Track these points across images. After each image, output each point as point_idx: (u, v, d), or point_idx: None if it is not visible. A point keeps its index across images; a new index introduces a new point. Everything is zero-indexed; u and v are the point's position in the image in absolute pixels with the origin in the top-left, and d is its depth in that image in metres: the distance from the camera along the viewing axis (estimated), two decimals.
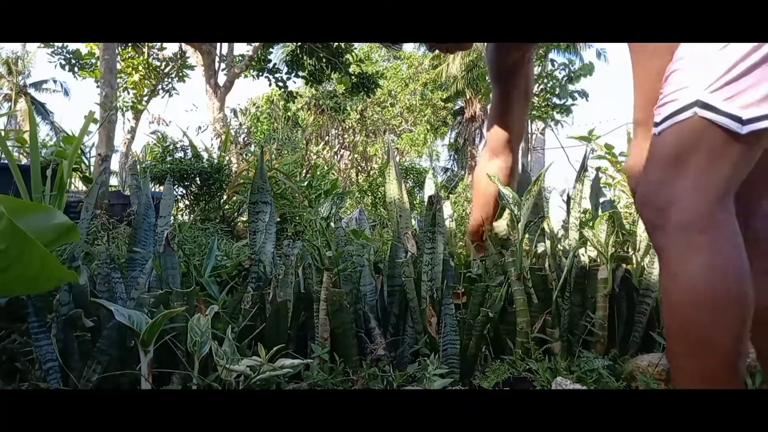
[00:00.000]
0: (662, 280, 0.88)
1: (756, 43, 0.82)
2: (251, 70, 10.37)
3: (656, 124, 0.89)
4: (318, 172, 4.72)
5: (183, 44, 10.58)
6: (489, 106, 1.84)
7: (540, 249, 1.56)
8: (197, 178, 3.53)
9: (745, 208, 0.98)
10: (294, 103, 11.79)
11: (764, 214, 0.98)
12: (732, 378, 0.82)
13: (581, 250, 1.50)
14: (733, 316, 0.81)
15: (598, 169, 2.91)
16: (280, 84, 10.26)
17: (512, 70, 1.69)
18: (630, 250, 1.54)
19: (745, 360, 0.87)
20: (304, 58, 9.69)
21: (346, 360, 1.26)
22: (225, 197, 3.64)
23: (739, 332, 0.81)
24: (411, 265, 1.36)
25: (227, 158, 4.46)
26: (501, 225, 1.68)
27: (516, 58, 1.67)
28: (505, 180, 1.70)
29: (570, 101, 8.22)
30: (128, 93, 10.94)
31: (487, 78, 4.63)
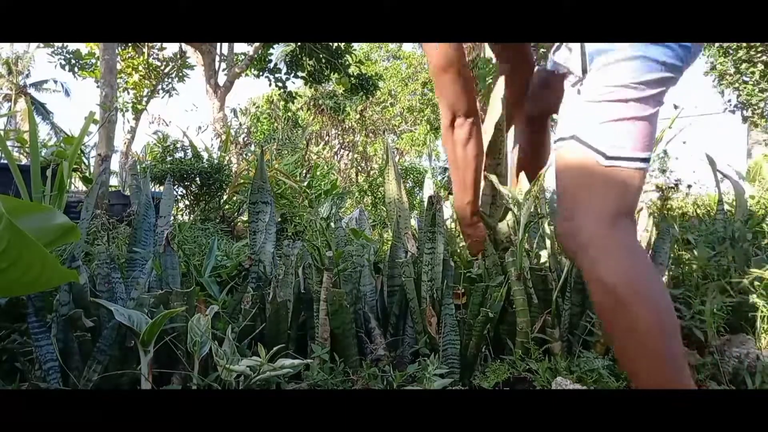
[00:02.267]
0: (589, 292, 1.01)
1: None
2: (251, 70, 10.38)
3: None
4: (318, 172, 4.72)
5: (183, 44, 10.58)
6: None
7: (542, 255, 1.56)
8: (197, 178, 3.53)
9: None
10: (294, 103, 11.79)
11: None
12: (667, 366, 0.89)
13: None
14: (648, 308, 0.90)
15: None
16: (280, 84, 10.27)
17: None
18: None
19: (685, 358, 0.97)
20: (304, 58, 9.70)
21: (346, 360, 1.26)
22: (225, 197, 3.65)
23: (658, 323, 0.89)
24: (411, 265, 1.36)
25: (227, 158, 4.46)
26: (502, 226, 1.67)
27: None
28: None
29: None
30: (128, 93, 10.95)
31: (487, 79, 4.61)
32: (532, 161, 1.73)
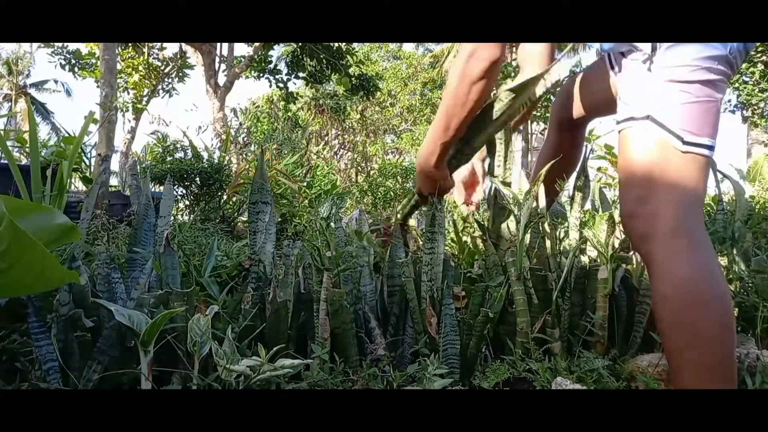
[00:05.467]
0: (652, 282, 0.97)
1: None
2: (252, 72, 10.37)
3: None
4: (318, 172, 4.72)
5: (183, 44, 10.58)
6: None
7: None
8: (197, 178, 3.53)
9: None
10: (294, 103, 11.78)
11: None
12: (728, 367, 0.90)
13: (581, 250, 1.50)
14: (719, 307, 0.91)
15: (598, 169, 2.90)
16: (281, 85, 10.26)
17: None
18: (630, 250, 1.54)
19: (735, 352, 0.96)
20: (305, 59, 9.70)
21: (346, 360, 1.26)
22: (225, 197, 3.64)
23: (726, 322, 0.91)
24: (411, 265, 1.36)
25: (227, 158, 4.46)
26: (502, 228, 1.66)
27: None
28: None
29: None
30: (128, 93, 10.95)
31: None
32: (557, 167, 1.61)
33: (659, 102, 0.97)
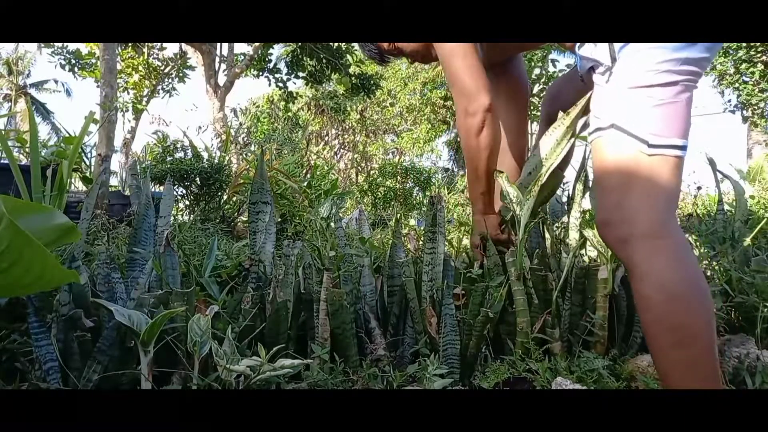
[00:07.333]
0: (633, 285, 0.98)
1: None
2: (251, 70, 10.37)
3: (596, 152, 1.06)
4: (318, 172, 4.72)
5: (183, 44, 10.58)
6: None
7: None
8: (197, 178, 3.53)
9: None
10: (294, 103, 11.78)
11: None
12: (714, 364, 0.91)
13: (581, 250, 1.50)
14: (702, 305, 0.92)
15: None
16: (281, 84, 10.26)
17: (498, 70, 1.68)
18: None
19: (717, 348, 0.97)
20: (305, 58, 9.69)
21: (346, 360, 1.26)
22: (225, 197, 3.65)
23: (709, 320, 0.92)
24: (411, 265, 1.36)
25: (227, 158, 4.46)
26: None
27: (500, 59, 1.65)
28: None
29: None
30: (128, 93, 10.96)
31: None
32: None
33: (623, 109, 1.00)
